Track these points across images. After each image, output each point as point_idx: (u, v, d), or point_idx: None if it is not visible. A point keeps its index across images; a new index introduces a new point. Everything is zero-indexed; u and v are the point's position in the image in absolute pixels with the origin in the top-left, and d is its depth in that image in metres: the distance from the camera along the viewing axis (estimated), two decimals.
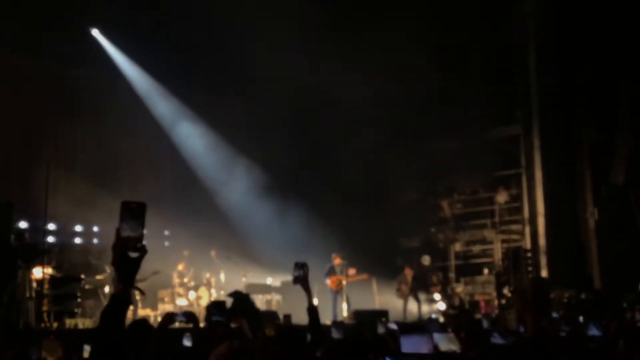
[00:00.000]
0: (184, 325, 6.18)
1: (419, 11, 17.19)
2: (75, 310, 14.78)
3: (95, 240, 19.46)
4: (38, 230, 15.77)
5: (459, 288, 20.95)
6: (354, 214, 20.26)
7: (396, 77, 18.98)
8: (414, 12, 17.25)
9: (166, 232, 20.23)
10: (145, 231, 2.65)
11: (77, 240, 19.24)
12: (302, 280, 5.17)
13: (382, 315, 15.88)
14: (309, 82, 19.63)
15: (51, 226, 17.55)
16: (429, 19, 17.13)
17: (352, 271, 17.98)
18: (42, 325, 13.51)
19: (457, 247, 22.27)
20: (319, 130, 21.36)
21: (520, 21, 19.98)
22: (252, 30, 18.04)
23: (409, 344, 6.66)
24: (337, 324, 8.09)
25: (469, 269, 21.64)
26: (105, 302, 15.54)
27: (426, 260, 21.64)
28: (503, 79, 20.55)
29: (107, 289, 16.30)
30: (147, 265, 2.26)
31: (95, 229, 19.53)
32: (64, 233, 18.75)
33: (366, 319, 14.39)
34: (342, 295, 17.79)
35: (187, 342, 5.66)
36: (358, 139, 21.05)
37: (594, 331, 6.65)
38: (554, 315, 15.23)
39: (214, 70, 19.88)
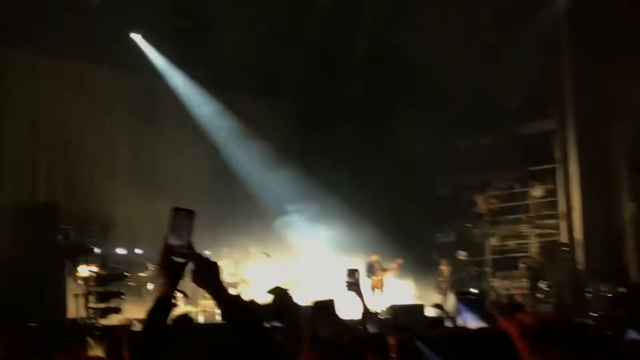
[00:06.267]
0: None
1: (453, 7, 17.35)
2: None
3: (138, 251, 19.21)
4: (83, 231, 16.20)
5: (495, 282, 21.04)
6: (388, 211, 20.38)
7: (428, 71, 19.15)
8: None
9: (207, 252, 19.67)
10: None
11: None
12: (354, 286, 5.38)
13: (418, 309, 16.14)
14: None
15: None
16: (462, 16, 17.26)
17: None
18: (88, 322, 13.87)
19: (493, 241, 22.29)
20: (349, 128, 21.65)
21: (552, 17, 19.92)
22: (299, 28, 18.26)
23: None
24: (370, 315, 8.19)
25: (505, 264, 21.71)
26: (146, 299, 15.98)
27: (462, 255, 21.74)
28: (535, 73, 20.50)
29: (149, 286, 16.71)
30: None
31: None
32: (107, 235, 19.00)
33: (403, 314, 14.64)
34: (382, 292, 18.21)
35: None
36: (389, 134, 21.21)
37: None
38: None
39: (257, 74, 20.10)
